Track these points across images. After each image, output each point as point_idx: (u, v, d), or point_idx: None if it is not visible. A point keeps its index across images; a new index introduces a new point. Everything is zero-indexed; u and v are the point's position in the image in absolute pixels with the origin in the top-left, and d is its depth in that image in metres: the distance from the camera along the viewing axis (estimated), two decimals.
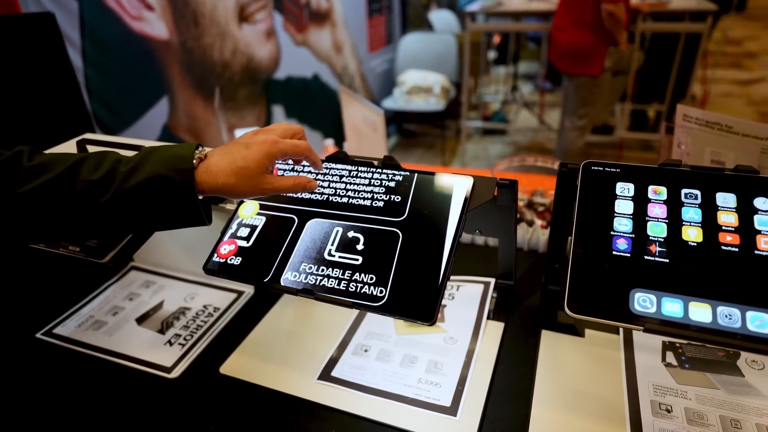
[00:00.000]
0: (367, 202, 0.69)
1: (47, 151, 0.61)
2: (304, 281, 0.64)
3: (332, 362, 0.75)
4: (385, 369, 0.73)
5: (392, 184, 0.70)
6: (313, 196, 0.72)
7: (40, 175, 0.55)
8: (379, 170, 0.72)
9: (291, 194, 0.73)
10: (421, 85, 3.71)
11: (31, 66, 1.05)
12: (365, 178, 0.72)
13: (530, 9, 3.72)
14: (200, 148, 0.59)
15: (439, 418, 0.65)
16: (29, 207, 0.54)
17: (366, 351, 0.77)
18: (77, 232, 0.59)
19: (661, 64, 3.43)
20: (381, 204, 0.68)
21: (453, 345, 0.76)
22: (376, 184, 0.71)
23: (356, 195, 0.70)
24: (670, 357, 0.72)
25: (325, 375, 0.73)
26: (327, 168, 0.75)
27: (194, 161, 0.57)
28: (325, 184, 0.72)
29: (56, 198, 0.55)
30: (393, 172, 0.71)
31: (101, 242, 0.73)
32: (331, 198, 0.71)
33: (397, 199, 0.68)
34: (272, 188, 0.60)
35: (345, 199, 0.70)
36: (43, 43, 1.07)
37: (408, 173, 0.71)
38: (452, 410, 0.66)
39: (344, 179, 0.72)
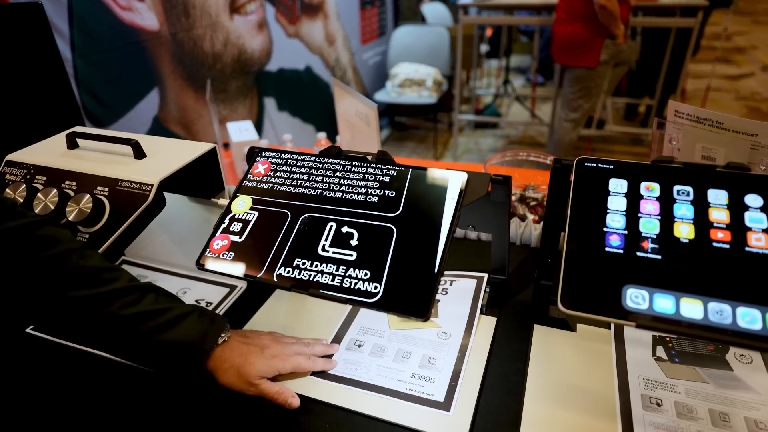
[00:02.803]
0: (362, 198, 0.69)
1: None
2: (297, 276, 0.64)
3: (326, 358, 0.75)
4: (379, 364, 0.73)
5: (386, 179, 0.70)
6: (306, 191, 0.72)
7: (93, 285, 0.62)
8: (373, 165, 0.72)
9: (285, 189, 0.73)
10: (414, 78, 3.70)
11: (18, 57, 1.03)
12: (359, 173, 0.72)
13: (523, 2, 3.71)
14: (224, 334, 0.67)
15: (433, 413, 0.65)
16: (73, 310, 0.61)
17: (360, 346, 0.77)
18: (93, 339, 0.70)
19: (652, 59, 3.45)
20: (375, 199, 0.68)
21: (446, 340, 0.76)
22: (370, 179, 0.71)
23: (350, 190, 0.70)
24: (661, 351, 0.73)
25: (319, 371, 0.73)
26: (321, 162, 0.74)
27: (214, 347, 0.66)
28: (319, 178, 0.72)
29: (97, 314, 0.62)
30: (387, 167, 0.71)
31: (92, 237, 0.72)
32: (324, 193, 0.71)
33: (392, 194, 0.68)
34: (257, 391, 0.66)
35: (339, 194, 0.70)
36: (31, 34, 1.05)
37: (402, 168, 0.71)
38: (445, 405, 0.66)
39: (338, 174, 0.72)
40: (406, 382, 0.70)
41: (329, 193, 0.70)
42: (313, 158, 0.76)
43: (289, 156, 0.77)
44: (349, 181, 0.71)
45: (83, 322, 0.63)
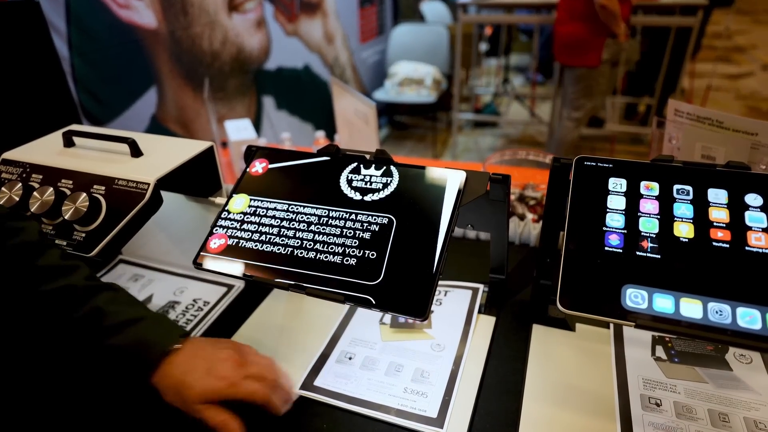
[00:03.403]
0: (358, 196, 0.68)
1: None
2: (294, 276, 0.63)
3: (315, 371, 0.74)
4: (370, 378, 0.71)
5: (383, 180, 0.69)
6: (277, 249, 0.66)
7: (58, 278, 0.60)
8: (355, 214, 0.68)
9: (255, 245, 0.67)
10: (413, 77, 3.69)
11: (15, 55, 1.03)
12: (337, 226, 0.67)
13: (522, 1, 3.71)
14: (178, 344, 0.61)
15: (426, 430, 0.64)
16: (41, 304, 0.60)
17: (350, 358, 0.75)
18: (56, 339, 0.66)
19: (652, 58, 3.44)
20: (354, 261, 0.64)
21: (440, 352, 0.75)
22: (360, 184, 0.69)
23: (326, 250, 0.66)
24: (660, 351, 0.72)
25: (308, 385, 0.71)
26: (295, 213, 0.69)
27: (161, 359, 0.60)
28: (291, 233, 0.67)
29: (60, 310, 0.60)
30: (381, 168, 0.70)
31: (88, 236, 0.72)
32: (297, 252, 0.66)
33: (387, 194, 0.67)
34: (197, 416, 0.58)
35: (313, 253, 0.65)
36: (28, 32, 1.05)
37: (398, 166, 0.70)
38: (439, 422, 0.64)
39: (314, 226, 0.67)
40: (398, 397, 0.68)
41: (302, 252, 0.65)
42: (286, 207, 0.69)
43: (264, 202, 0.71)
44: (326, 239, 0.65)
45: (36, 319, 0.60)
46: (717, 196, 0.58)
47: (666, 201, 0.59)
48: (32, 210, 0.72)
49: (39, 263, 0.60)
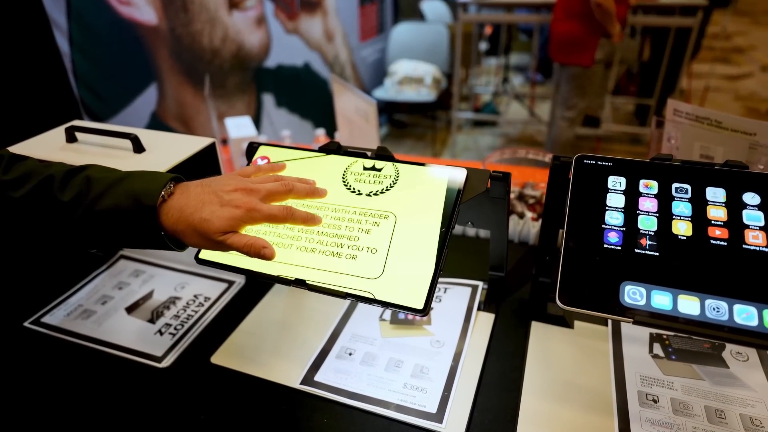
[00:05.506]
0: (359, 192, 0.68)
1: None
2: (295, 272, 0.64)
3: (315, 366, 0.74)
4: (370, 373, 0.72)
5: (384, 176, 0.69)
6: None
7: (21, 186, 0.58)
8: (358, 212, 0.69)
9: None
10: (413, 76, 3.70)
11: (16, 51, 1.03)
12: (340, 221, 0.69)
13: (522, 0, 3.71)
14: (169, 185, 0.58)
15: (425, 425, 0.64)
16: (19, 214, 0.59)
17: (350, 354, 0.76)
18: (58, 240, 0.62)
19: (651, 58, 3.45)
20: (371, 196, 0.67)
21: (440, 348, 0.76)
22: (362, 180, 0.70)
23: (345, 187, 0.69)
24: (657, 348, 0.73)
25: (308, 380, 0.72)
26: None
27: (158, 199, 0.56)
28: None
29: (39, 209, 0.58)
30: (383, 165, 0.71)
31: None
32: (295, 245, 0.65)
33: (388, 190, 0.68)
34: (225, 247, 0.58)
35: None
36: (29, 28, 1.05)
37: (399, 163, 0.70)
38: (438, 417, 0.65)
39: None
40: (398, 393, 0.69)
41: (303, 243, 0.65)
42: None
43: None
44: (327, 235, 0.65)
45: (31, 218, 0.59)
46: (715, 194, 0.59)
47: (665, 199, 0.60)
48: None
49: (21, 168, 0.59)
